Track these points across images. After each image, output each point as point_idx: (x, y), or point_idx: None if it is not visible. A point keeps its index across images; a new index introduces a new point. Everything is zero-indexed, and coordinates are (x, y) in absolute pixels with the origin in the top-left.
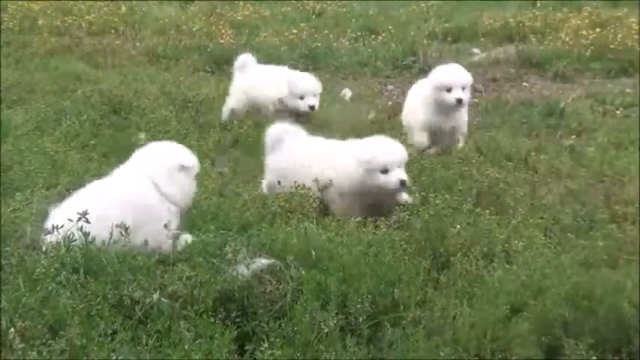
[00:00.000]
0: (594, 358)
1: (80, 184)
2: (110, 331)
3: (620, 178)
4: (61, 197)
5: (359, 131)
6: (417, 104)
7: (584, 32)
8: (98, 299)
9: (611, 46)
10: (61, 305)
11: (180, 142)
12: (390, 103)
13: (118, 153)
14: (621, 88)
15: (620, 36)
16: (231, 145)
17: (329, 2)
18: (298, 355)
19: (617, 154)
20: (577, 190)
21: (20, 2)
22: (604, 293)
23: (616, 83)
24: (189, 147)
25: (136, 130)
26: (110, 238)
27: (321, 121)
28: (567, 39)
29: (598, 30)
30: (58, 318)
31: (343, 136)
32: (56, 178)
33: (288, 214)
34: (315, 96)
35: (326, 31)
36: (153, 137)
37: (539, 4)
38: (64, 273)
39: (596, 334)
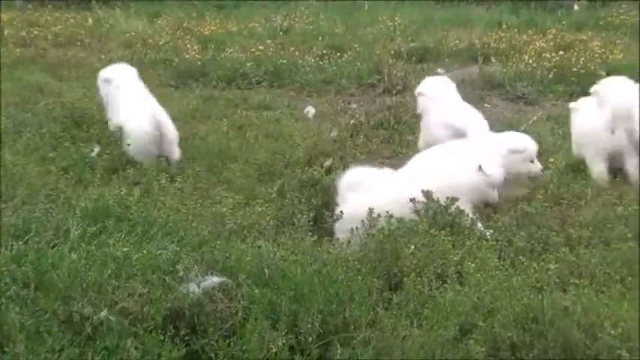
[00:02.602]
0: None
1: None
2: (58, 348)
3: (577, 201)
4: (17, 210)
5: (320, 149)
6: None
7: (548, 55)
8: (47, 315)
9: (574, 69)
10: (9, 320)
11: None
12: (352, 121)
13: (77, 167)
14: None
15: (582, 59)
16: (192, 160)
17: (296, 19)
18: None
19: (574, 176)
20: (533, 212)
21: None
22: (553, 316)
23: None
24: None
25: (96, 144)
26: None
27: (285, 138)
28: (530, 61)
29: (561, 53)
30: (5, 334)
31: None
32: (14, 190)
33: (245, 232)
34: None
35: (292, 48)
36: (112, 151)
37: (504, 26)
38: (14, 288)
39: (544, 356)
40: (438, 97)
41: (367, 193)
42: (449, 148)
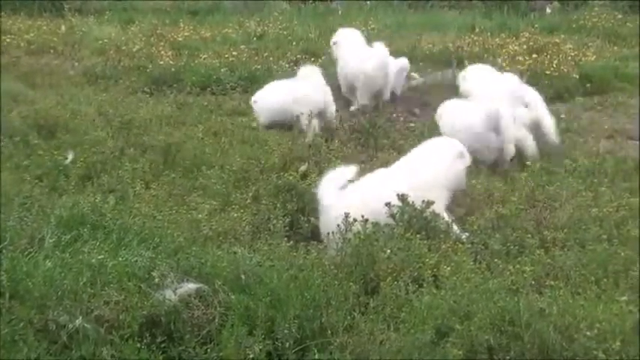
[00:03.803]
0: None
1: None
2: (34, 357)
3: (552, 203)
4: None
5: (296, 154)
6: None
7: (521, 58)
8: (22, 324)
9: (547, 72)
10: None
11: (115, 164)
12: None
13: (51, 174)
14: (556, 114)
15: (556, 62)
16: (167, 166)
17: (270, 25)
18: None
19: (549, 179)
20: (508, 215)
21: None
22: (529, 318)
23: (551, 109)
24: (124, 169)
25: (70, 152)
26: None
27: (259, 143)
28: (504, 64)
29: (535, 56)
30: None
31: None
32: None
33: (220, 238)
34: None
35: (266, 54)
36: (87, 158)
37: (477, 30)
38: None
39: (522, 358)
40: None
41: (361, 187)
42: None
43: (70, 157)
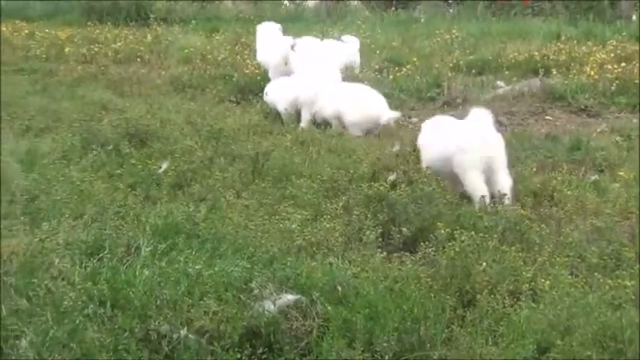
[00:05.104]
0: None
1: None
2: None
3: None
4: (87, 227)
5: (384, 163)
6: None
7: (609, 66)
8: (125, 333)
9: (636, 81)
10: (88, 339)
11: (204, 173)
12: (414, 135)
13: (144, 183)
14: None
15: None
16: (256, 175)
17: (353, 33)
18: None
19: None
20: (603, 227)
21: (47, 30)
22: (632, 334)
23: None
24: (214, 178)
25: (165, 161)
26: None
27: (347, 152)
28: (592, 73)
29: (623, 64)
30: (85, 352)
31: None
32: (83, 207)
33: (313, 248)
34: None
35: None
36: (177, 167)
37: (563, 38)
38: (91, 306)
39: None
40: None
41: None
42: None
43: (164, 166)
